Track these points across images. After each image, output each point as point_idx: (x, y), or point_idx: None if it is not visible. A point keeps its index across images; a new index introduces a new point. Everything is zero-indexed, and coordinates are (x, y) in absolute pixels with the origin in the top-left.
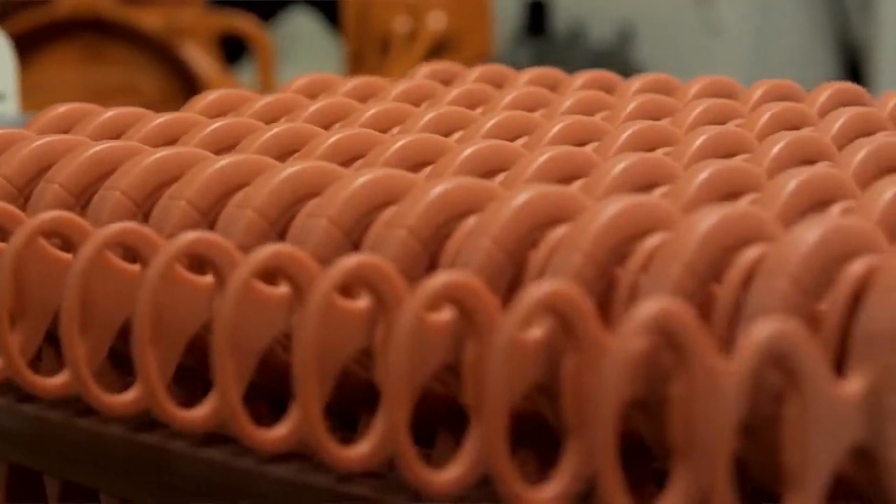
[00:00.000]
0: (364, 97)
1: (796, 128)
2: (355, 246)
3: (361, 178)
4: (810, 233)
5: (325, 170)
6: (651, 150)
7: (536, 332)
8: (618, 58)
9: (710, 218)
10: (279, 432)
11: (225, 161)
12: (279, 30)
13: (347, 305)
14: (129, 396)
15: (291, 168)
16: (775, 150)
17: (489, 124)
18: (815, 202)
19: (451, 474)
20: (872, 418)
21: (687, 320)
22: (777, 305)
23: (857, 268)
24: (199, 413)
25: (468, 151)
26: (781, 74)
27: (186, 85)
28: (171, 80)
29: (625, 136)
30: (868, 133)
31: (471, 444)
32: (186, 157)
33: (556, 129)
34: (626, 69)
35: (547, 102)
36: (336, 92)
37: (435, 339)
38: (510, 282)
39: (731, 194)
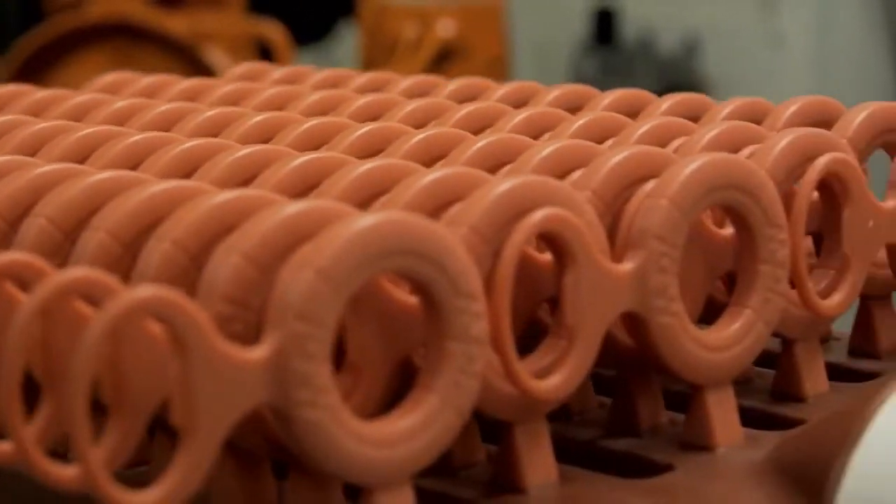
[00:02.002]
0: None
1: None
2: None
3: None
4: (274, 214)
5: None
6: None
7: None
8: (683, 68)
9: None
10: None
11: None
12: (331, 45)
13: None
14: None
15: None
16: None
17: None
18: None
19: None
20: (281, 382)
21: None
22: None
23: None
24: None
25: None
26: (842, 84)
27: None
28: None
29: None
30: None
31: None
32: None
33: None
34: (692, 79)
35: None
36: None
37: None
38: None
39: None
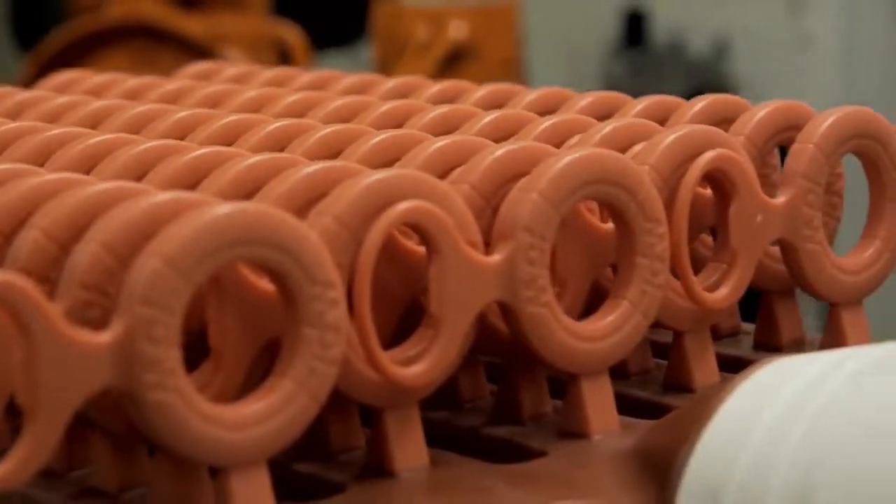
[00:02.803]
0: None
1: None
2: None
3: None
4: (134, 205)
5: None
6: None
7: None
8: (713, 69)
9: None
10: None
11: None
12: (359, 48)
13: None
14: None
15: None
16: None
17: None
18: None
19: None
20: (128, 365)
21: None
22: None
23: None
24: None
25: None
26: (871, 85)
27: None
28: None
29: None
30: None
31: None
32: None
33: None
34: (721, 81)
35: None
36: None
37: None
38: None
39: None
